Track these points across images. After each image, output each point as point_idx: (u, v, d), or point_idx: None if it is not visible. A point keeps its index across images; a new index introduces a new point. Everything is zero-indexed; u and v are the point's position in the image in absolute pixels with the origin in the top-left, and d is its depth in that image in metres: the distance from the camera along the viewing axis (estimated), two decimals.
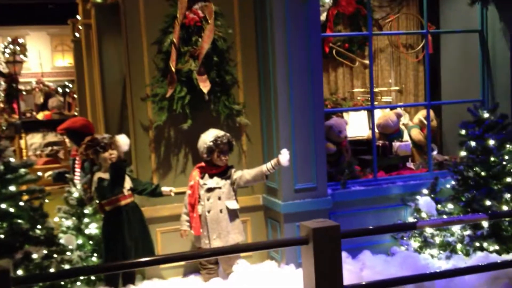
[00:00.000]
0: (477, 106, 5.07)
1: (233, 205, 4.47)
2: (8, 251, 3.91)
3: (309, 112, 4.74)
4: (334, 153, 5.53)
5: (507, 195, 4.73)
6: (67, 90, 16.77)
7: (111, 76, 6.44)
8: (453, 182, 5.05)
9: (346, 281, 3.14)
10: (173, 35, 4.64)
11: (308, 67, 4.71)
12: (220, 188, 4.43)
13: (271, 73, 4.75)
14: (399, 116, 6.07)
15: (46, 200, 4.38)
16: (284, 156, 4.30)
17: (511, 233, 4.68)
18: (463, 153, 5.01)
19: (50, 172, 5.96)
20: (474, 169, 4.87)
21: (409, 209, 5.16)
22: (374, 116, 5.41)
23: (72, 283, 4.24)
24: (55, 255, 4.14)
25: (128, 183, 4.44)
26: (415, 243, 4.93)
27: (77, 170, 5.27)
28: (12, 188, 4.12)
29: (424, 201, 5.01)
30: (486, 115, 4.94)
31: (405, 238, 5.04)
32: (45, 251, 4.07)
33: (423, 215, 4.98)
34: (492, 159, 4.82)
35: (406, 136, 6.31)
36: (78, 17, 8.27)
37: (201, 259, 4.44)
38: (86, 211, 4.73)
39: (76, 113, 10.97)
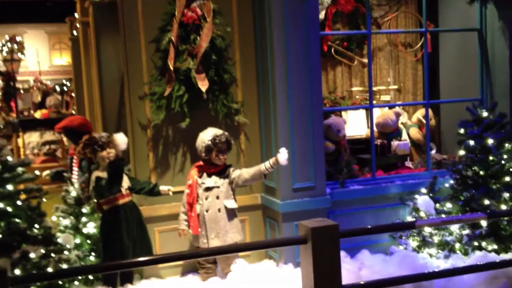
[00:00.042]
0: (475, 105, 5.06)
1: (232, 204, 4.46)
2: (5, 250, 3.90)
3: (307, 111, 4.73)
4: (332, 152, 5.53)
5: (506, 194, 4.73)
6: (65, 88, 16.74)
7: (109, 75, 6.43)
8: (451, 181, 5.05)
9: (344, 281, 3.13)
10: (171, 33, 4.62)
11: (307, 65, 4.70)
12: (218, 187, 4.42)
13: (269, 72, 4.74)
14: (398, 115, 6.06)
15: (44, 199, 4.36)
16: (283, 155, 4.29)
17: (510, 233, 4.68)
18: (461, 152, 5.00)
19: (47, 171, 5.94)
20: (473, 168, 4.87)
21: (408, 208, 5.15)
22: (372, 115, 5.39)
23: (70, 283, 4.23)
24: (52, 255, 4.12)
25: (126, 182, 4.42)
26: (413, 243, 4.92)
27: (75, 169, 5.26)
28: (10, 187, 4.10)
29: (422, 200, 5.01)
30: (485, 114, 4.93)
31: (403, 238, 5.03)
32: (42, 251, 4.06)
33: (422, 214, 4.98)
34: (490, 158, 4.82)
35: (404, 135, 6.30)
36: (76, 15, 8.25)
37: (199, 259, 4.42)
38: (84, 210, 4.71)
39: (74, 112, 10.94)
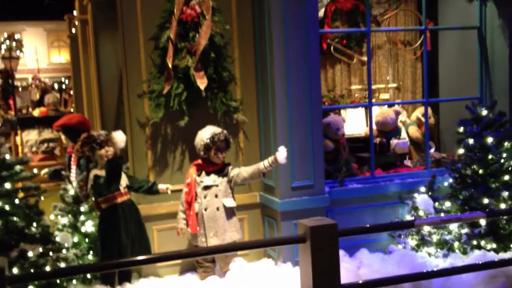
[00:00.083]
0: (475, 103, 5.05)
1: (230, 203, 4.45)
2: (3, 249, 3.88)
3: (306, 109, 4.72)
4: (331, 150, 5.52)
5: (505, 193, 4.72)
6: (64, 86, 16.73)
7: (107, 72, 6.42)
8: (450, 180, 5.04)
9: (343, 280, 3.12)
10: (170, 30, 4.60)
11: (306, 63, 4.68)
12: (217, 185, 4.41)
13: (268, 70, 4.73)
14: (397, 113, 6.05)
15: (42, 198, 4.35)
16: (282, 154, 4.28)
17: (509, 231, 4.68)
18: (461, 151, 4.99)
19: (46, 170, 5.90)
20: (472, 167, 4.86)
21: (407, 207, 5.14)
22: (371, 113, 5.38)
23: (68, 282, 4.22)
24: (50, 253, 4.12)
25: (124, 181, 4.41)
26: (412, 241, 4.91)
27: (73, 167, 5.24)
28: (7, 185, 4.09)
29: (421, 199, 5.00)
30: (484, 112, 4.92)
31: (402, 236, 5.02)
32: (40, 249, 4.05)
33: (421, 213, 4.97)
34: (490, 157, 4.81)
35: (403, 134, 6.29)
36: (75, 13, 8.23)
37: (198, 257, 4.41)
38: (82, 208, 4.70)
39: (72, 110, 10.93)
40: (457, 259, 4.60)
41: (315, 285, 2.98)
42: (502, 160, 4.81)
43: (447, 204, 4.91)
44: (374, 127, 5.83)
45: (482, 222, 4.69)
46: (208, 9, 4.63)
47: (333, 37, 6.72)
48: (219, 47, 4.75)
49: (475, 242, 4.68)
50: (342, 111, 6.50)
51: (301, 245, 3.05)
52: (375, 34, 7.10)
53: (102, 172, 4.30)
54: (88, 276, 4.42)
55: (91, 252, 4.61)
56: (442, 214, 4.87)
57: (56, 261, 4.08)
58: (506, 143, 4.86)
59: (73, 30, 8.82)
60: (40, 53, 18.53)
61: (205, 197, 4.39)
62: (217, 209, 4.38)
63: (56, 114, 11.57)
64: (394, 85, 7.19)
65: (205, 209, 4.37)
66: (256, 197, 5.06)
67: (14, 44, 15.45)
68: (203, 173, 4.46)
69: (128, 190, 4.43)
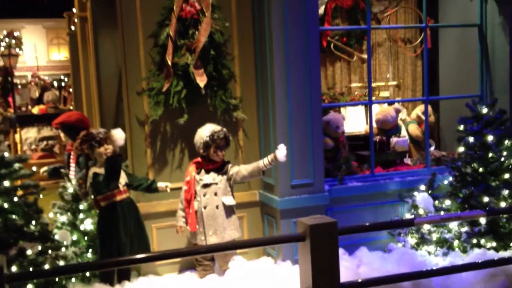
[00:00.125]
0: (475, 101, 5.03)
1: (230, 201, 4.43)
2: (2, 247, 3.87)
3: (306, 107, 4.70)
4: (331, 148, 5.50)
5: (505, 192, 4.71)
6: (63, 84, 16.71)
7: (106, 70, 6.40)
8: (450, 178, 5.03)
9: (343, 278, 3.12)
10: (170, 28, 4.59)
11: (306, 61, 4.67)
12: (216, 183, 4.40)
13: (268, 67, 4.71)
14: (398, 111, 6.04)
15: (41, 196, 4.33)
16: (281, 152, 4.27)
17: (509, 230, 4.67)
18: (461, 149, 4.98)
19: (45, 168, 5.88)
20: (472, 165, 4.84)
21: (407, 205, 5.13)
22: (371, 111, 5.37)
23: (66, 280, 4.21)
24: (49, 251, 4.10)
25: (123, 179, 4.40)
26: (412, 240, 4.90)
27: (72, 165, 5.22)
28: (6, 183, 4.07)
29: (421, 197, 4.99)
30: (484, 110, 4.91)
31: (402, 235, 5.01)
32: (39, 247, 4.03)
33: (421, 211, 4.96)
34: (490, 155, 4.80)
35: (403, 132, 6.28)
36: (74, 10, 8.21)
37: (197, 256, 4.40)
38: (81, 206, 4.68)
39: (71, 107, 10.91)
40: (457, 258, 4.60)
41: (314, 284, 2.98)
42: (503, 158, 4.80)
43: (447, 202, 4.90)
44: (374, 125, 5.82)
45: (482, 220, 4.68)
46: (208, 6, 4.61)
47: (333, 34, 6.70)
48: (219, 44, 4.74)
49: (475, 241, 4.67)
50: (342, 109, 6.49)
51: (301, 243, 3.04)
52: (375, 32, 7.08)
53: (101, 170, 4.29)
54: (87, 274, 4.41)
55: (90, 250, 4.59)
56: (442, 213, 4.86)
57: (55, 259, 4.06)
58: (506, 141, 4.85)
59: (73, 28, 8.81)
60: (39, 51, 18.51)
61: (204, 195, 4.38)
62: (217, 207, 4.36)
63: (55, 112, 11.57)
64: (394, 83, 7.17)
65: (205, 207, 4.36)
66: (255, 195, 5.05)
67: (13, 41, 15.44)
68: (203, 171, 4.45)
69: (127, 188, 4.42)
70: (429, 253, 4.77)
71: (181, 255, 3.64)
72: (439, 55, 6.54)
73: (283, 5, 4.57)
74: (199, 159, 4.49)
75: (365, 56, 6.51)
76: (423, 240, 4.82)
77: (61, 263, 4.09)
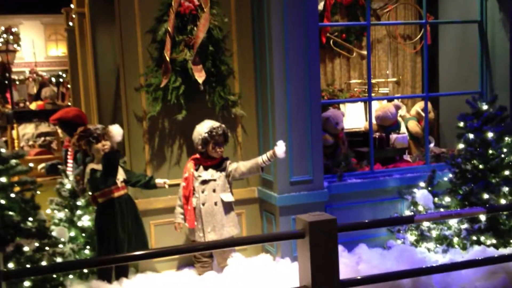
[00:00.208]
0: (475, 98, 5.01)
1: (228, 197, 4.41)
2: None
3: (305, 103, 4.68)
4: (331, 145, 5.48)
5: (505, 189, 4.69)
6: (61, 80, 16.67)
7: (104, 66, 6.38)
8: (450, 175, 5.01)
9: (342, 275, 3.11)
10: (168, 23, 4.56)
11: (305, 57, 4.64)
12: (215, 180, 4.37)
13: (267, 63, 4.68)
14: (397, 108, 6.02)
15: (38, 192, 4.31)
16: (280, 148, 4.24)
17: (509, 227, 4.65)
18: (461, 146, 4.96)
19: (43, 164, 5.86)
20: (472, 162, 4.82)
21: (406, 202, 5.11)
22: (371, 108, 5.34)
23: (64, 277, 4.18)
24: (47, 248, 4.08)
25: (121, 175, 4.37)
26: (411, 237, 4.89)
27: (70, 161, 5.21)
28: (3, 179, 4.05)
29: (421, 194, 4.97)
30: (484, 107, 4.89)
31: (401, 232, 5.00)
32: (36, 244, 4.01)
33: (420, 208, 4.94)
34: (490, 151, 4.78)
35: (403, 128, 6.26)
36: (72, 6, 8.18)
37: (195, 252, 4.38)
38: (78, 203, 4.67)
39: (69, 103, 10.88)
40: (457, 255, 4.58)
41: (313, 281, 2.96)
42: (503, 155, 4.78)
43: (447, 199, 4.88)
44: (374, 121, 5.80)
45: (482, 217, 4.66)
46: (207, 2, 4.59)
47: (332, 30, 6.67)
48: (218, 40, 4.71)
49: (474, 238, 4.66)
50: (341, 106, 6.46)
51: (300, 240, 3.03)
52: (375, 28, 7.05)
53: (98, 166, 4.27)
54: (85, 271, 4.39)
55: (87, 246, 4.57)
56: (442, 210, 4.84)
57: (52, 256, 4.04)
58: (506, 138, 4.82)
59: (70, 24, 8.77)
60: (37, 47, 18.45)
61: (203, 191, 4.35)
62: (215, 203, 4.34)
63: (53, 108, 11.55)
64: (394, 79, 7.15)
65: (203, 204, 4.34)
66: (254, 191, 5.03)
67: (11, 37, 15.39)
68: (201, 167, 4.42)
69: (125, 185, 4.40)
70: (429, 250, 4.75)
71: (180, 252, 3.61)
72: (439, 51, 6.52)
73: (283, 1, 4.53)
74: (197, 155, 4.46)
75: (364, 52, 6.49)
76: (422, 237, 4.80)
77: (59, 259, 4.08)
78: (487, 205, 4.53)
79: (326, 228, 2.99)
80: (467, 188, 4.76)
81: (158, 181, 4.49)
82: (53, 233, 4.33)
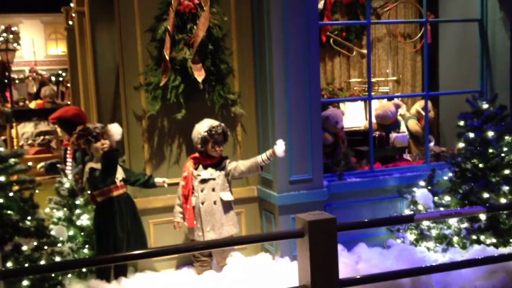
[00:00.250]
0: (475, 96, 5.00)
1: (227, 196, 4.40)
2: None
3: (305, 102, 4.66)
4: (330, 144, 5.47)
5: (505, 188, 4.68)
6: (60, 79, 16.67)
7: (104, 65, 6.37)
8: (450, 174, 5.00)
9: (341, 274, 3.10)
10: (168, 22, 4.55)
11: (305, 56, 4.63)
12: (214, 179, 4.36)
13: (267, 62, 4.67)
14: (397, 107, 6.01)
15: (37, 191, 4.30)
16: (280, 147, 4.23)
17: (509, 226, 4.64)
18: (461, 145, 4.95)
19: (42, 164, 5.86)
20: (472, 161, 4.82)
21: (406, 201, 5.10)
22: (371, 107, 5.33)
23: (62, 276, 4.17)
24: (45, 247, 4.06)
25: (120, 174, 4.36)
26: (411, 236, 4.88)
27: (69, 160, 5.19)
28: (1, 178, 4.03)
29: (421, 193, 4.96)
30: (485, 106, 4.88)
31: (401, 231, 4.99)
32: (35, 243, 4.00)
33: (420, 207, 4.93)
34: (490, 150, 4.77)
35: (403, 127, 6.25)
36: (72, 4, 8.17)
37: (195, 252, 4.37)
38: (77, 202, 4.66)
39: (69, 102, 10.87)
40: (456, 254, 4.57)
41: (313, 280, 2.95)
42: (503, 154, 4.77)
43: (447, 198, 4.88)
44: (374, 120, 5.79)
45: (482, 216, 4.65)
46: (206, 0, 4.58)
47: (332, 29, 6.66)
48: (217, 39, 4.70)
49: (474, 237, 4.65)
50: (341, 104, 6.45)
51: (299, 239, 3.02)
52: (375, 27, 7.03)
53: (97, 165, 4.26)
54: (84, 270, 4.38)
55: (86, 246, 4.56)
56: (442, 209, 4.83)
57: (51, 255, 4.03)
58: (506, 137, 4.82)
59: (70, 22, 8.75)
60: (37, 46, 18.46)
61: (202, 190, 4.34)
62: (214, 203, 4.33)
63: (52, 107, 11.52)
64: (394, 78, 7.14)
65: (202, 203, 4.33)
66: (253, 190, 5.02)
67: (11, 36, 15.38)
68: (200, 166, 4.41)
69: (124, 184, 4.39)
70: (429, 249, 4.74)
71: (179, 251, 3.60)
72: (439, 50, 6.50)
73: (283, 0, 4.52)
74: (197, 154, 4.45)
75: (364, 51, 6.48)
76: (422, 236, 4.79)
77: (57, 259, 4.07)
78: (487, 204, 4.52)
79: (326, 227, 2.98)
80: (467, 187, 4.75)
81: (157, 180, 4.47)
82: (52, 232, 4.31)
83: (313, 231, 2.93)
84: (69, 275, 4.27)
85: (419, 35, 6.80)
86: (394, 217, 4.91)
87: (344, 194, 4.97)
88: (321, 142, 4.82)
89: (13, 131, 10.34)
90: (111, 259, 3.47)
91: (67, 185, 4.66)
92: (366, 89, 5.98)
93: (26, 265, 3.87)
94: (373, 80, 6.59)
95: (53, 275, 4.07)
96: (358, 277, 3.37)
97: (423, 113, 5.82)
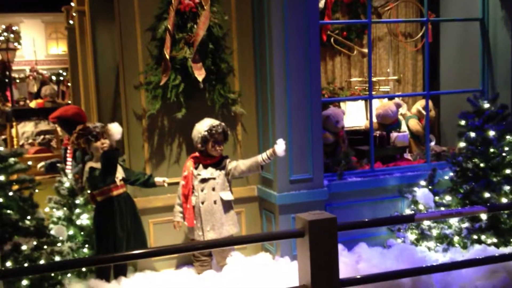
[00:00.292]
0: (477, 96, 4.99)
1: (228, 196, 4.39)
2: None
3: (306, 102, 4.65)
4: (331, 143, 5.46)
5: (507, 187, 4.67)
6: (61, 78, 16.68)
7: (104, 64, 6.36)
8: (451, 174, 4.99)
9: (342, 274, 3.08)
10: (168, 21, 4.54)
11: (306, 55, 4.62)
12: (214, 178, 4.35)
13: (267, 62, 4.66)
14: (398, 106, 5.99)
15: (36, 190, 4.28)
16: (280, 146, 4.22)
17: (510, 226, 4.63)
18: (462, 144, 4.93)
19: (42, 163, 5.85)
20: (473, 160, 4.80)
21: (406, 201, 5.09)
22: (372, 106, 5.32)
23: (62, 275, 4.16)
24: (45, 247, 4.05)
25: (120, 173, 4.35)
26: (411, 236, 4.87)
27: (69, 159, 5.18)
28: (1, 177, 4.02)
29: (421, 192, 4.95)
30: (486, 105, 4.87)
31: (401, 230, 4.98)
32: (35, 243, 3.99)
33: (421, 207, 4.92)
34: (491, 150, 4.76)
35: (403, 127, 6.24)
36: (72, 4, 8.16)
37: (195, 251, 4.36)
38: (77, 201, 4.65)
39: (70, 102, 10.87)
40: (457, 254, 4.57)
41: (313, 280, 2.94)
42: (504, 154, 4.76)
43: (448, 198, 4.86)
44: (375, 119, 5.77)
45: (483, 216, 4.64)
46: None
47: (333, 28, 6.64)
48: (218, 38, 4.69)
49: (475, 237, 4.64)
50: (342, 104, 6.44)
51: (300, 239, 3.00)
52: (375, 26, 7.02)
53: (97, 165, 4.25)
54: (83, 269, 4.37)
55: (86, 245, 4.56)
56: (443, 208, 4.82)
57: (50, 255, 4.02)
58: (508, 137, 4.81)
59: (71, 22, 8.75)
60: (38, 45, 18.47)
61: (202, 190, 4.33)
62: (214, 202, 4.32)
63: (52, 106, 11.52)
64: (395, 77, 7.12)
65: (202, 203, 4.32)
66: (254, 190, 5.01)
67: (11, 35, 15.39)
68: (201, 166, 4.40)
69: (124, 183, 4.38)
70: (429, 249, 4.73)
71: (178, 251, 3.59)
72: (440, 49, 6.49)
73: None
74: (197, 154, 4.44)
75: (365, 50, 6.46)
76: (423, 236, 4.78)
77: (57, 258, 4.06)
78: (488, 204, 4.51)
79: (326, 227, 2.96)
80: (468, 186, 4.74)
81: (157, 179, 4.46)
82: (52, 232, 4.31)
83: (314, 231, 2.92)
84: (69, 275, 4.27)
85: (420, 34, 6.78)
86: (395, 216, 4.90)
87: (345, 194, 4.96)
88: (321, 141, 4.80)
89: (13, 131, 10.34)
90: (111, 258, 3.46)
91: (67, 184, 4.66)
92: (366, 88, 5.97)
93: (26, 264, 3.86)
94: (374, 79, 6.57)
95: (52, 274, 4.06)
96: (358, 277, 3.35)
97: (424, 112, 5.80)
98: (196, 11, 4.59)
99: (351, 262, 4.40)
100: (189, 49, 4.57)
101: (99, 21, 6.32)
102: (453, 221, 4.74)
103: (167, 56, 4.52)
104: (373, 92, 5.84)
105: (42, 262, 3.94)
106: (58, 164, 5.06)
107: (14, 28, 16.42)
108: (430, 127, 5.69)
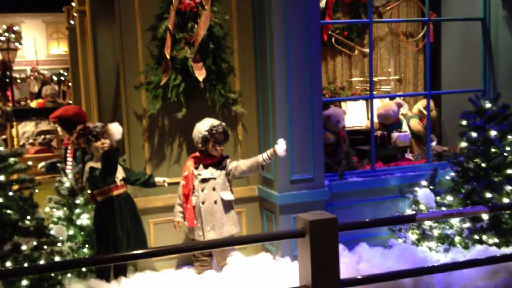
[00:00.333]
0: (478, 96, 4.98)
1: (228, 196, 4.38)
2: None
3: (306, 101, 4.64)
4: (332, 143, 5.45)
5: (508, 187, 4.66)
6: (62, 78, 16.68)
7: (105, 64, 6.36)
8: (452, 174, 4.97)
9: (342, 274, 3.08)
10: (168, 21, 4.53)
11: (307, 55, 4.61)
12: (214, 178, 4.34)
13: (268, 61, 4.65)
14: (399, 106, 5.98)
15: (36, 190, 4.28)
16: (281, 146, 4.21)
17: (511, 226, 4.61)
18: (463, 144, 4.92)
19: (42, 163, 5.85)
20: (475, 160, 4.79)
21: (408, 201, 5.08)
22: (373, 106, 5.30)
23: (62, 275, 4.15)
24: (45, 247, 4.05)
25: (120, 173, 4.35)
26: (412, 236, 4.85)
27: (69, 159, 5.18)
28: (1, 177, 4.02)
29: (423, 192, 4.94)
30: (487, 105, 4.85)
31: (402, 231, 4.96)
32: (35, 243, 3.98)
33: (422, 207, 4.91)
34: (493, 150, 4.74)
35: (405, 127, 6.23)
36: (73, 4, 8.16)
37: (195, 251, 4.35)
38: (77, 201, 4.65)
39: (70, 102, 10.87)
40: (458, 254, 4.56)
41: (314, 280, 2.93)
42: (505, 154, 4.75)
43: (449, 198, 4.85)
44: (376, 119, 5.76)
45: (484, 216, 4.62)
46: None
47: (334, 28, 6.63)
48: (218, 38, 4.68)
49: (476, 237, 4.63)
50: (343, 104, 6.43)
51: (300, 239, 2.99)
52: (376, 26, 7.00)
53: (97, 165, 4.24)
54: (83, 269, 4.36)
55: (86, 245, 4.55)
56: (444, 208, 4.80)
57: (50, 255, 4.01)
58: (509, 136, 4.79)
59: (72, 22, 8.75)
60: (39, 45, 18.49)
61: (202, 190, 4.32)
62: (215, 202, 4.31)
63: (53, 106, 11.52)
64: (396, 77, 7.10)
65: (203, 203, 4.31)
66: (254, 190, 5.00)
67: (12, 36, 15.41)
68: (201, 165, 4.39)
69: (124, 183, 4.37)
70: (430, 249, 4.72)
71: (179, 251, 3.58)
72: (442, 49, 6.48)
73: None
74: (197, 153, 4.43)
75: (366, 50, 6.45)
76: (424, 236, 4.76)
77: (57, 258, 4.05)
78: (490, 204, 4.49)
79: (327, 227, 2.95)
80: (470, 186, 4.73)
81: (158, 179, 4.45)
82: (52, 232, 4.30)
83: (314, 231, 2.91)
84: (69, 275, 4.26)
85: (422, 34, 6.77)
86: (396, 216, 4.89)
87: (346, 194, 4.95)
88: (322, 141, 4.79)
89: (14, 130, 10.34)
90: (111, 258, 3.45)
91: (67, 184, 4.65)
92: (368, 88, 5.95)
93: (26, 264, 3.86)
94: (375, 79, 6.56)
95: (52, 274, 4.06)
96: (359, 277, 3.34)
97: (425, 112, 5.79)
98: (197, 11, 4.58)
99: (352, 262, 4.39)
100: (189, 49, 4.57)
101: (99, 21, 6.32)
102: (455, 221, 4.72)
103: (168, 56, 4.51)
104: (374, 92, 5.83)
105: (42, 262, 3.93)
106: (59, 164, 5.06)
107: (15, 28, 16.43)
108: (431, 127, 5.68)
